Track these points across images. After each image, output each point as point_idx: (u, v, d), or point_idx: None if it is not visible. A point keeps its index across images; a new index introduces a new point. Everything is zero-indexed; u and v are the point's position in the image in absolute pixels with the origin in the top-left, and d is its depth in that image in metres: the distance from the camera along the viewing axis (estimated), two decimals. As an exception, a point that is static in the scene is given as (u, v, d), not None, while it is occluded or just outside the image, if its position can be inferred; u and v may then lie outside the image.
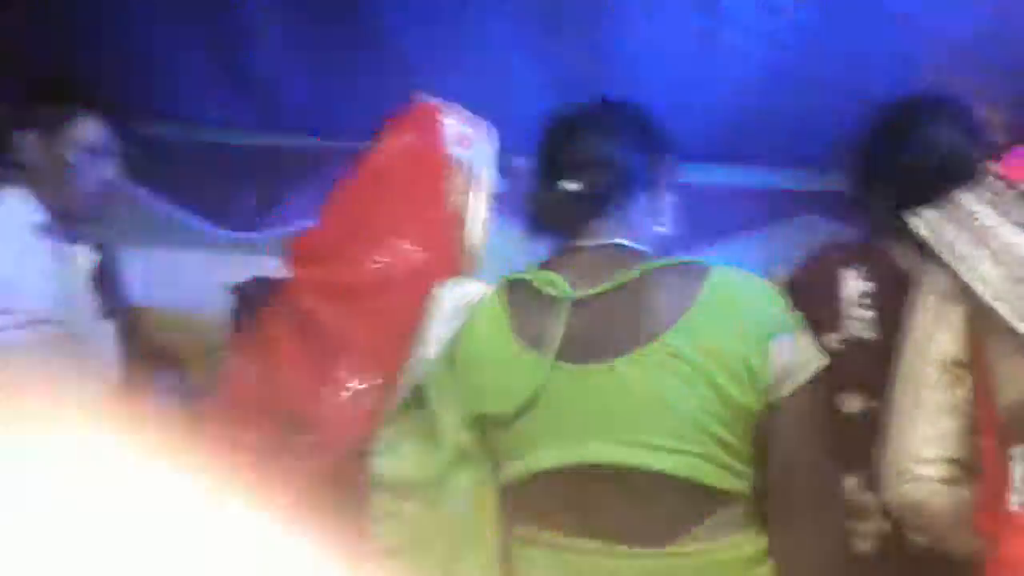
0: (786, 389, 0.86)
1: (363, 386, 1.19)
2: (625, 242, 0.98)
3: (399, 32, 2.12)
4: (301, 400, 1.22)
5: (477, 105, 2.37)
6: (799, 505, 0.87)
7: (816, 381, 0.88)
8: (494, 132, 1.39)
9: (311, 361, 1.25)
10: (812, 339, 0.91)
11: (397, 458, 1.02)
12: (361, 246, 1.33)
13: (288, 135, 2.79)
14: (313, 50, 2.25)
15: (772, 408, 0.87)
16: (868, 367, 0.99)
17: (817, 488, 0.88)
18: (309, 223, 2.78)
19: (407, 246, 1.28)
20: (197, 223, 2.71)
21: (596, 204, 0.98)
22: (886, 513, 0.97)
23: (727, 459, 0.86)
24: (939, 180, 1.10)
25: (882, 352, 0.98)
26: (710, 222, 2.82)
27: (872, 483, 0.98)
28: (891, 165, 1.17)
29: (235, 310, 2.16)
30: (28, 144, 1.41)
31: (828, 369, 0.90)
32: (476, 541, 0.94)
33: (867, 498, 0.99)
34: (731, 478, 0.87)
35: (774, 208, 2.87)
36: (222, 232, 2.75)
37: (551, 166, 1.03)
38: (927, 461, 0.87)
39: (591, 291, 0.92)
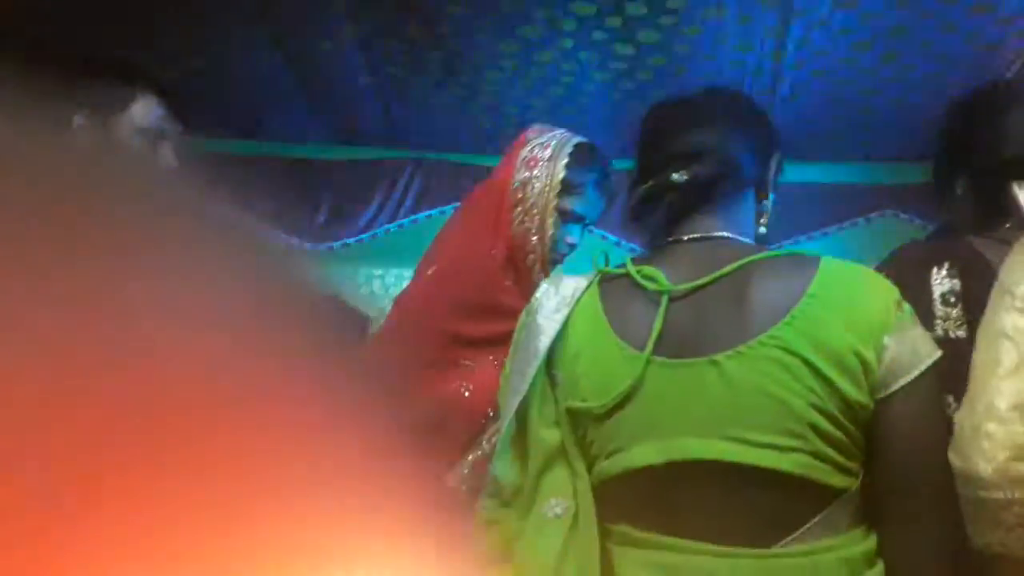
0: (900, 383, 0.82)
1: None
2: (728, 235, 0.95)
3: (470, 44, 2.15)
4: None
5: (549, 111, 2.37)
6: (915, 503, 0.83)
7: (931, 375, 0.84)
8: (588, 150, 1.42)
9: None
10: (926, 333, 0.87)
11: (504, 464, 1.00)
12: (420, 268, 1.43)
13: (361, 148, 2.87)
14: (387, 65, 2.30)
15: (885, 403, 0.83)
16: (958, 367, 0.96)
17: (933, 486, 0.83)
18: (379, 232, 2.87)
19: (431, 269, 1.38)
20: (272, 235, 2.81)
21: (703, 196, 0.95)
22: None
23: (836, 456, 0.82)
24: None
25: (971, 351, 0.96)
26: (788, 219, 2.77)
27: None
28: (974, 152, 1.14)
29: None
30: (80, 125, 1.29)
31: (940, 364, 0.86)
32: (575, 545, 0.89)
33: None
34: (839, 475, 0.83)
35: (853, 204, 2.81)
36: (297, 243, 2.83)
37: (656, 157, 0.99)
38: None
39: (692, 284, 0.90)
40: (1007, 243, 1.04)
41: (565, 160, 1.37)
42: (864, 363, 0.81)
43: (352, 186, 2.84)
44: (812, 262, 0.88)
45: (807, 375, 0.81)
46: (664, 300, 0.89)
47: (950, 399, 0.95)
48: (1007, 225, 1.09)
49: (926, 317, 0.99)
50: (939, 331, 0.98)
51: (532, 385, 0.96)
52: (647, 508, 0.88)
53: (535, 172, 1.37)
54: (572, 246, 1.43)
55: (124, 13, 2.06)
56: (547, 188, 1.36)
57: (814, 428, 0.81)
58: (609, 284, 0.97)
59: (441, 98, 2.50)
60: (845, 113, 2.51)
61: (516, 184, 1.37)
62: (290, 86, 2.45)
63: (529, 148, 1.40)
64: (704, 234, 0.95)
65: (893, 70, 2.20)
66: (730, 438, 0.82)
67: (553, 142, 1.40)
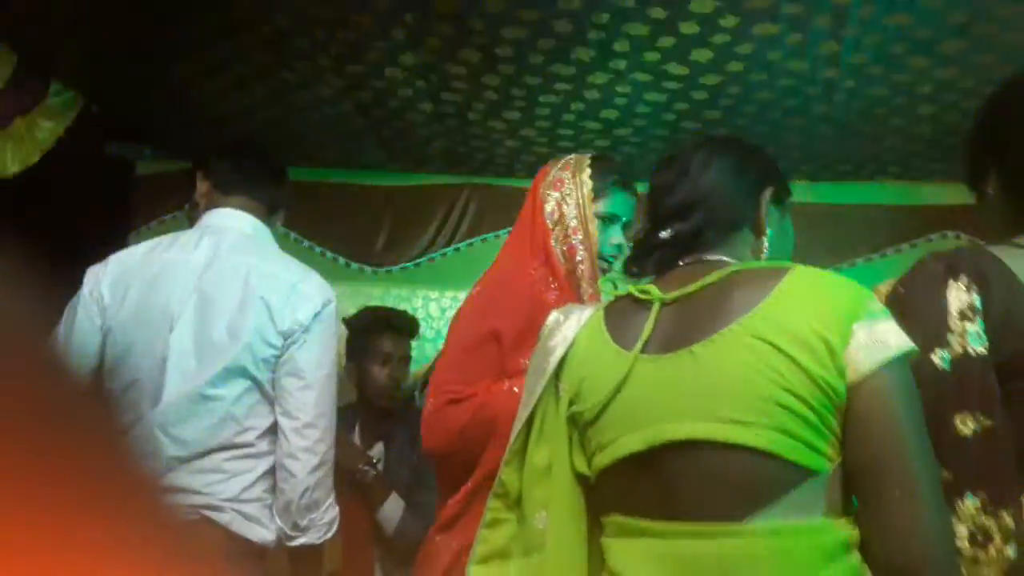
0: (868, 368, 0.84)
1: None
2: (723, 257, 1.01)
3: (525, 68, 2.20)
4: None
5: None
6: (889, 488, 0.83)
7: (902, 364, 0.85)
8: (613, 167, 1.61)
9: None
10: (900, 329, 0.87)
11: (512, 470, 1.09)
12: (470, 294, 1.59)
13: (419, 174, 2.96)
14: (445, 91, 2.38)
15: (856, 388, 0.84)
16: (979, 383, 0.94)
17: (907, 471, 0.82)
18: (436, 256, 2.94)
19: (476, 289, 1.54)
20: (336, 258, 2.91)
21: (690, 246, 1.03)
22: (1008, 538, 0.91)
23: (803, 432, 0.85)
24: None
25: (993, 366, 0.93)
26: (846, 241, 2.73)
27: (993, 506, 0.92)
28: (1005, 149, 1.09)
29: (348, 340, 2.30)
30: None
31: (915, 355, 0.87)
32: (556, 552, 1.01)
33: (988, 523, 0.93)
34: (809, 453, 0.85)
35: (912, 225, 2.73)
36: (357, 266, 2.92)
37: (652, 212, 1.08)
38: None
39: (680, 292, 0.98)
40: None
41: (587, 172, 1.54)
42: (828, 346, 0.84)
43: (411, 211, 2.94)
44: (786, 268, 0.93)
45: (772, 356, 0.86)
46: (656, 307, 0.99)
47: (967, 417, 0.92)
48: None
49: (939, 332, 0.96)
50: (956, 347, 0.94)
51: (539, 402, 1.07)
52: (634, 494, 0.95)
53: (564, 190, 1.53)
54: (618, 247, 1.56)
55: (190, 39, 2.19)
56: (581, 198, 1.51)
57: (779, 404, 0.85)
58: (612, 304, 1.08)
59: (497, 123, 2.56)
60: (909, 134, 2.46)
61: (549, 207, 1.52)
62: (351, 114, 2.55)
63: (550, 176, 1.56)
64: (698, 258, 1.02)
65: (955, 89, 2.15)
66: (701, 418, 0.88)
67: (571, 163, 1.57)
